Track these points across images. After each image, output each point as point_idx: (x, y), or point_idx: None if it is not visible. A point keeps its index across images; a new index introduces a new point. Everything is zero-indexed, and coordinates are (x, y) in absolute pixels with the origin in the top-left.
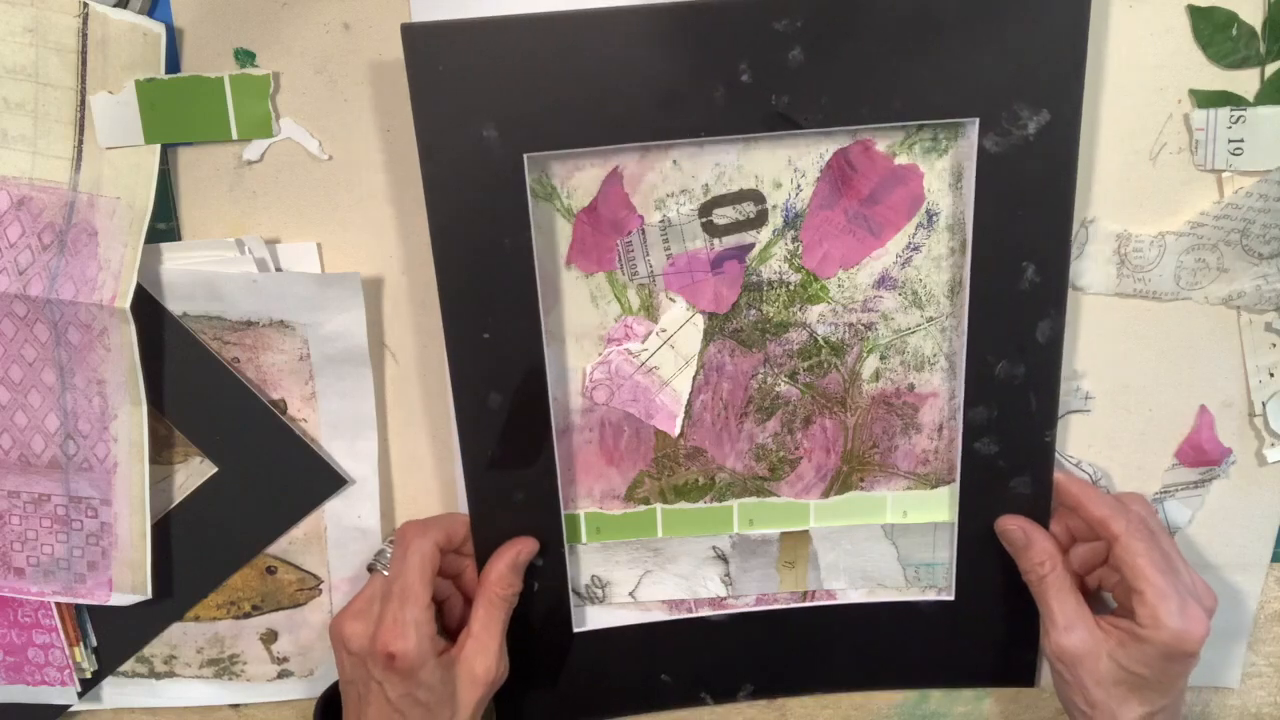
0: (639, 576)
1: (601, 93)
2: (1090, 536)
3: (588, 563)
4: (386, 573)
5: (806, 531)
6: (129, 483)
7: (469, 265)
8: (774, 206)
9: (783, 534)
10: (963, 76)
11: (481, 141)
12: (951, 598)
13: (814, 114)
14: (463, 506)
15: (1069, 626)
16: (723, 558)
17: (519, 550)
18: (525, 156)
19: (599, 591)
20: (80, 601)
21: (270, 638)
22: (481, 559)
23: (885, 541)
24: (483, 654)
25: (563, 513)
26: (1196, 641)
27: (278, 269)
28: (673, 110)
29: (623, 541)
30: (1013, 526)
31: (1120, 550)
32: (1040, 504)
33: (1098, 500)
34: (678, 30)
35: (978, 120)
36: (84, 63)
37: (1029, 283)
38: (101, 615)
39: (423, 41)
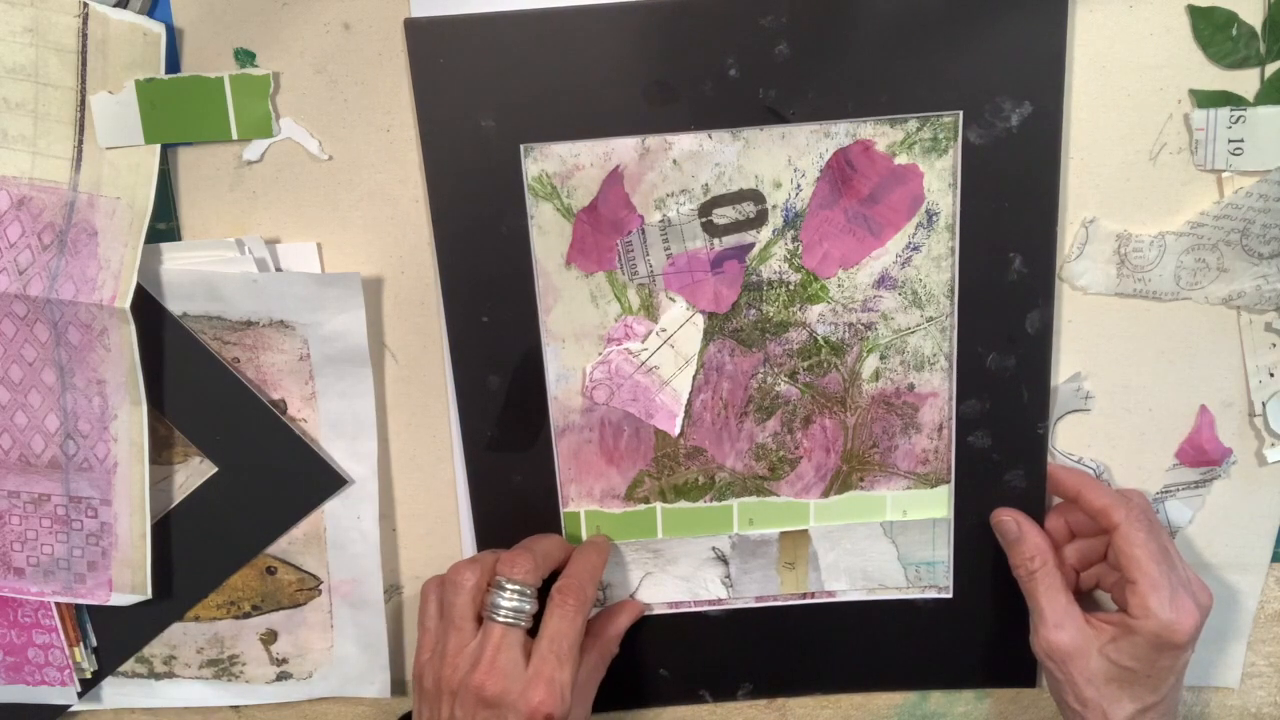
0: (639, 579)
1: (594, 86)
2: (1090, 531)
3: None
4: (509, 622)
5: (806, 532)
6: (129, 483)
7: (468, 251)
8: (774, 206)
9: (782, 534)
10: (946, 70)
11: (480, 131)
12: (950, 595)
13: (801, 108)
14: (463, 503)
15: (1058, 624)
16: (723, 559)
17: (640, 611)
18: (521, 146)
19: (600, 594)
20: (80, 601)
21: (270, 638)
22: (482, 543)
23: (885, 540)
24: (581, 705)
25: (559, 495)
26: (1185, 633)
27: (278, 269)
28: (663, 103)
29: (623, 543)
30: (1006, 519)
31: (1119, 539)
32: (1034, 498)
33: (1098, 490)
34: (667, 26)
35: (961, 113)
36: (84, 63)
37: (1017, 274)
38: (101, 615)
39: (424, 35)
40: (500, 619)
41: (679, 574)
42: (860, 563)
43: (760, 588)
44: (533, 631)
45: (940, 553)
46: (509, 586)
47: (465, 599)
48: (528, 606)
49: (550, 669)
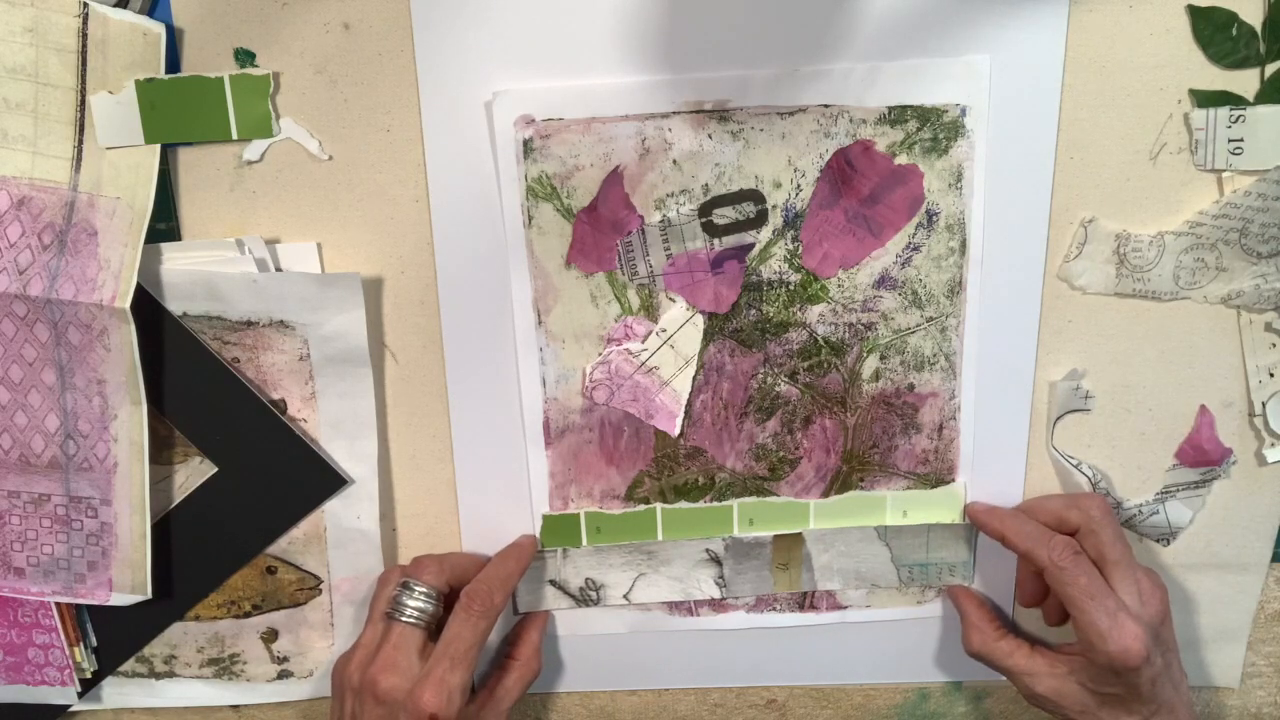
0: (633, 579)
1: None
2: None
3: (582, 566)
4: (409, 622)
5: (800, 534)
6: (129, 483)
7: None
8: (774, 206)
9: (775, 536)
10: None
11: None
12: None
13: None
14: (463, 502)
15: (1033, 676)
16: (716, 560)
17: (544, 623)
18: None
19: (593, 594)
20: (80, 601)
21: (271, 637)
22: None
23: (879, 543)
24: (495, 716)
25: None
26: (1136, 657)
27: (278, 269)
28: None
29: (616, 545)
30: (975, 642)
31: (1050, 581)
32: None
33: (1021, 533)
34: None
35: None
36: (84, 63)
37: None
38: (101, 615)
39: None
40: (401, 618)
41: (673, 575)
42: (854, 564)
43: (754, 588)
44: None
45: (934, 555)
46: (415, 588)
47: (382, 599)
48: (430, 608)
49: (442, 670)
